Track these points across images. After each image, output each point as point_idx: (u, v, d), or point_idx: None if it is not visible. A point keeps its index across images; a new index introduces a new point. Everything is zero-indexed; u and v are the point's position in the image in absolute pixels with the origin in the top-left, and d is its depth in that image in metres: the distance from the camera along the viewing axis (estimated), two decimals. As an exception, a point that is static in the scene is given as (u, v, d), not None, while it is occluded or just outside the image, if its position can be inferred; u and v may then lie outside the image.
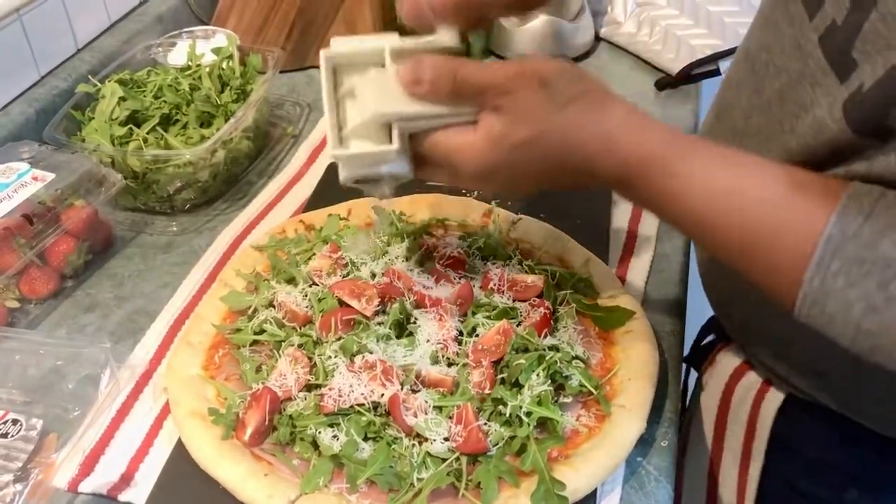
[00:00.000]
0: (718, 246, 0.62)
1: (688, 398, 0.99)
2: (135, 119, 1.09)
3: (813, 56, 0.61)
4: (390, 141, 0.65)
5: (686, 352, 0.95)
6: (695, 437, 0.92)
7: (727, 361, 0.87)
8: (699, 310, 0.91)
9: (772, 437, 0.81)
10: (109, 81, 1.12)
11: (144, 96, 1.12)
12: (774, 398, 0.80)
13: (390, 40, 0.68)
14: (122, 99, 1.09)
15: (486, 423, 0.72)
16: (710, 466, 0.90)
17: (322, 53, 0.69)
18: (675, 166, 0.60)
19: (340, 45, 0.69)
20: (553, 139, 0.61)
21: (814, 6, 0.61)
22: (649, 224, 1.01)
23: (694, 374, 0.97)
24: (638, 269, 0.94)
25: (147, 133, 1.07)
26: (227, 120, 1.09)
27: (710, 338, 0.95)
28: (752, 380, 0.83)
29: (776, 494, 0.83)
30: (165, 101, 1.11)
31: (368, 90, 0.66)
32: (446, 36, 0.68)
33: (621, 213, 1.03)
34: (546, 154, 0.62)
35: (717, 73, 1.26)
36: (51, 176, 0.96)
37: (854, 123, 0.56)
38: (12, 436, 0.75)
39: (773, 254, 0.57)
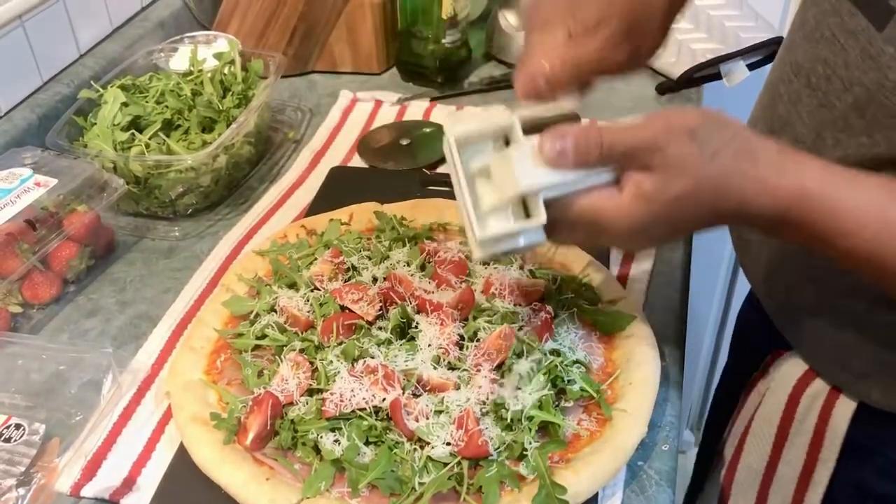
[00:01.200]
0: (888, 277, 0.60)
1: (738, 410, 0.97)
2: (137, 124, 1.09)
3: (892, 68, 0.61)
4: (526, 214, 0.64)
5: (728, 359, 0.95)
6: (750, 450, 0.90)
7: (787, 371, 0.85)
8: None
9: (844, 444, 0.79)
10: (111, 87, 1.12)
11: (146, 102, 1.12)
12: (846, 404, 0.78)
13: (514, 114, 0.66)
14: (125, 104, 1.10)
15: (487, 428, 0.72)
16: (764, 476, 0.88)
17: (449, 136, 0.66)
18: (839, 201, 0.59)
19: (461, 125, 0.67)
20: (707, 189, 0.60)
21: (882, 17, 0.61)
22: (650, 228, 1.01)
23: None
24: (639, 274, 0.95)
25: (149, 138, 1.07)
26: (228, 125, 1.09)
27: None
28: (818, 388, 0.81)
29: (844, 499, 0.82)
30: (167, 107, 1.11)
31: (508, 170, 0.63)
32: (568, 102, 0.69)
33: (622, 217, 1.03)
34: (701, 204, 0.61)
35: (717, 76, 1.27)
36: (53, 181, 0.96)
37: None
38: (15, 440, 0.75)
39: None
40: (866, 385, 0.76)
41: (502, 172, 0.64)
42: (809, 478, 0.83)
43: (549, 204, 0.63)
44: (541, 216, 0.63)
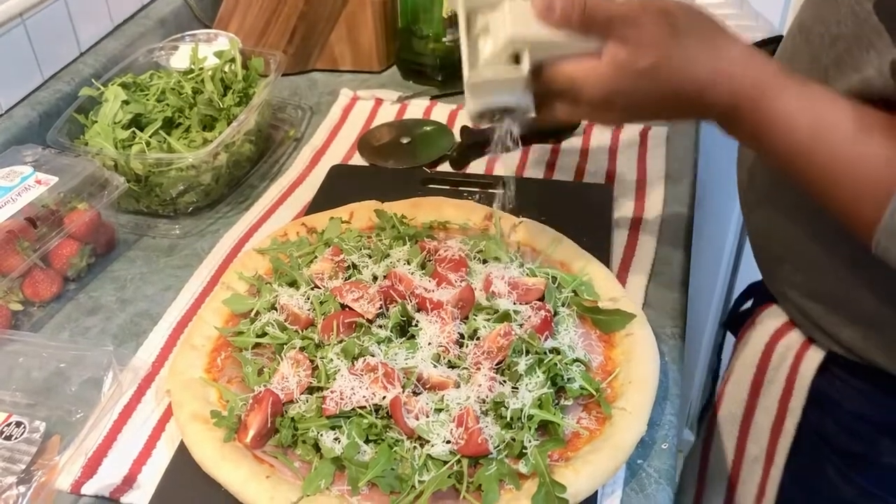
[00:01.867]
0: (812, 175, 0.65)
1: (721, 370, 1.03)
2: (137, 122, 1.09)
3: (869, 21, 0.65)
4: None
5: (725, 317, 1.01)
6: (729, 397, 0.95)
7: (768, 322, 0.90)
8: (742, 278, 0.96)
9: (810, 394, 0.84)
10: (112, 85, 1.13)
11: (147, 100, 1.12)
12: (815, 356, 0.83)
13: None
14: (125, 102, 1.10)
15: (486, 426, 0.72)
16: (742, 422, 0.93)
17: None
18: (783, 99, 0.64)
19: None
20: (670, 68, 0.66)
21: None
22: (651, 227, 1.01)
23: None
24: (639, 273, 0.95)
25: (150, 136, 1.07)
26: (229, 123, 1.09)
27: (748, 304, 0.98)
28: (793, 339, 0.86)
29: (810, 450, 0.86)
30: (168, 105, 1.11)
31: (502, 21, 0.70)
32: None
33: (623, 216, 1.03)
34: (665, 80, 0.66)
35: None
36: (54, 179, 0.96)
37: None
38: (16, 438, 0.75)
39: (861, 191, 0.62)
40: (836, 328, 0.80)
41: (498, 24, 0.70)
42: (781, 427, 0.88)
43: (538, 71, 0.70)
44: (525, 67, 0.69)
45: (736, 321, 1.00)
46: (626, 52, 0.66)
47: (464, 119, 1.25)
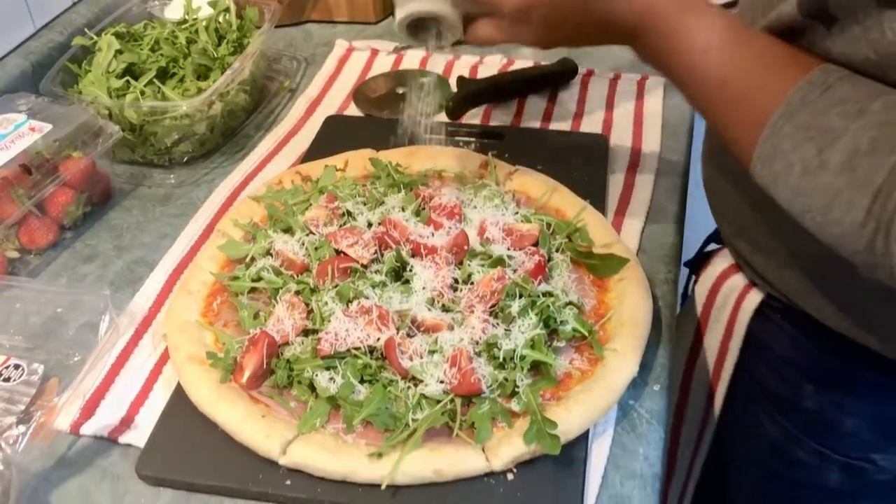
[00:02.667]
0: (703, 100, 0.67)
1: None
2: (131, 72, 1.09)
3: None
4: None
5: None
6: (681, 332, 0.97)
7: (718, 263, 0.91)
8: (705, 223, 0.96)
9: (746, 336, 0.86)
10: (106, 34, 1.12)
11: (141, 49, 1.11)
12: (754, 298, 0.85)
13: None
14: (119, 52, 1.09)
15: (479, 366, 0.73)
16: (687, 361, 0.96)
17: None
18: (679, 17, 0.65)
19: None
20: None
21: None
22: (646, 175, 1.01)
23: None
24: (633, 219, 0.95)
25: (144, 86, 1.07)
26: (224, 72, 1.09)
27: (712, 246, 0.99)
28: (736, 282, 0.87)
29: (743, 391, 0.89)
30: (162, 55, 1.11)
31: None
32: None
33: (619, 165, 1.03)
34: None
35: (734, 4, 1.25)
36: (48, 127, 0.96)
37: (804, 8, 0.61)
38: (14, 380, 0.76)
39: (744, 114, 0.63)
40: (773, 273, 0.81)
41: None
42: (721, 367, 0.90)
43: None
44: None
45: (697, 262, 1.00)
46: None
47: (460, 69, 1.24)
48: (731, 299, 0.88)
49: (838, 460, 0.83)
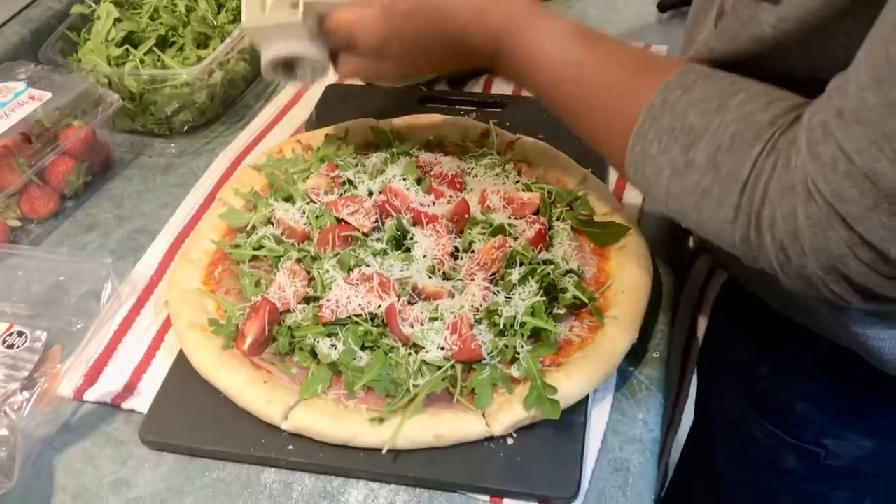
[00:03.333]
0: (571, 115, 0.67)
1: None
2: (131, 40, 1.08)
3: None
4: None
5: None
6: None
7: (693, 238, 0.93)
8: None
9: (713, 311, 0.87)
10: (104, 2, 1.11)
11: (140, 17, 1.10)
12: (719, 278, 0.86)
13: None
14: (118, 20, 1.08)
15: (480, 333, 0.73)
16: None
17: None
18: (535, 33, 0.66)
19: None
20: (431, 8, 0.68)
21: None
22: (647, 144, 1.01)
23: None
24: (635, 190, 0.94)
25: (144, 54, 1.06)
26: (223, 41, 1.08)
27: None
28: (706, 260, 0.89)
29: (711, 367, 0.90)
30: (161, 23, 1.10)
31: None
32: None
33: (619, 133, 1.03)
34: (428, 22, 0.68)
35: (720, -7, 1.24)
36: (48, 95, 0.96)
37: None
38: (18, 347, 0.76)
39: (611, 123, 0.63)
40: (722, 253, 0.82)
41: None
42: (693, 340, 0.91)
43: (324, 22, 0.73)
44: (297, 14, 0.72)
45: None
46: None
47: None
48: (702, 274, 0.88)
49: (791, 443, 0.83)
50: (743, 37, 0.57)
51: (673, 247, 0.89)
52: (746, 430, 0.86)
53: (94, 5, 1.11)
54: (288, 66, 0.79)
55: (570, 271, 0.79)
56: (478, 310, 0.75)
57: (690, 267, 0.93)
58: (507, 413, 0.68)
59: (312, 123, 1.05)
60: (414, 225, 0.84)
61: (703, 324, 0.87)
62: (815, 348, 0.75)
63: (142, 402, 0.75)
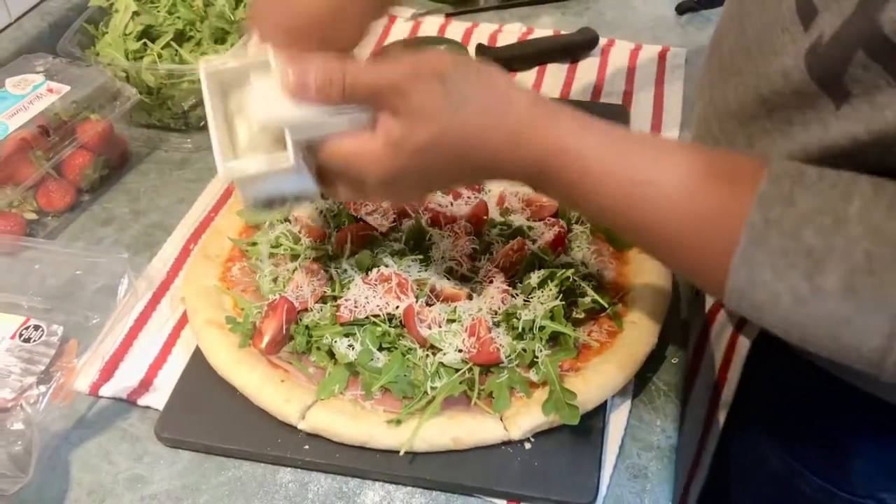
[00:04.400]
0: (643, 240, 0.60)
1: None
2: (149, 35, 1.08)
3: (786, 0, 0.58)
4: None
5: None
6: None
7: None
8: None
9: (745, 366, 0.79)
10: (123, -5, 1.10)
11: (158, 11, 1.10)
12: (752, 329, 0.77)
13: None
14: (136, 14, 1.08)
15: (498, 336, 0.73)
16: (685, 389, 0.88)
17: (202, 68, 0.63)
18: (589, 160, 0.57)
19: (217, 60, 0.64)
20: (453, 140, 0.58)
21: (808, 16, 0.57)
22: (666, 148, 1.00)
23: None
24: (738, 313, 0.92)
25: (161, 49, 1.06)
26: (241, 37, 1.08)
27: None
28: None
29: (746, 419, 0.82)
30: (179, 18, 1.09)
31: (255, 101, 0.60)
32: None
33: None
34: (450, 156, 0.59)
35: (740, -3, 1.23)
36: (66, 88, 0.96)
37: (815, 74, 0.53)
38: (34, 341, 0.76)
39: (698, 247, 0.56)
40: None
41: (251, 107, 0.61)
42: (721, 389, 0.83)
43: (315, 149, 0.60)
44: (289, 157, 0.59)
45: None
46: (399, 127, 0.57)
47: (480, 37, 1.23)
48: (728, 327, 0.80)
49: (844, 497, 0.78)
50: (876, 125, 0.51)
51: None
52: (791, 485, 0.80)
53: (112, -1, 1.10)
54: (272, 200, 0.66)
55: (589, 275, 0.79)
56: (496, 312, 0.75)
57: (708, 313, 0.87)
58: (526, 417, 0.68)
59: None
60: (432, 226, 0.84)
61: (734, 374, 0.80)
62: (871, 407, 0.70)
63: (157, 398, 0.75)
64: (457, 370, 0.71)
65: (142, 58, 1.05)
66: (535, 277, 0.77)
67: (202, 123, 1.07)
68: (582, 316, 0.76)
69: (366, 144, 0.59)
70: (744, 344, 0.78)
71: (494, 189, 0.88)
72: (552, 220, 0.84)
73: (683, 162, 0.56)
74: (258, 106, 0.59)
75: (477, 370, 0.71)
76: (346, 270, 0.79)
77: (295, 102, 0.58)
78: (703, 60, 0.80)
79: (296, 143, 0.60)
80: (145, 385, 0.76)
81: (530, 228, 0.83)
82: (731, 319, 0.79)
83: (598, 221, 0.61)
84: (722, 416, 0.83)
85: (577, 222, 0.85)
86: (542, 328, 0.73)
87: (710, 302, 0.85)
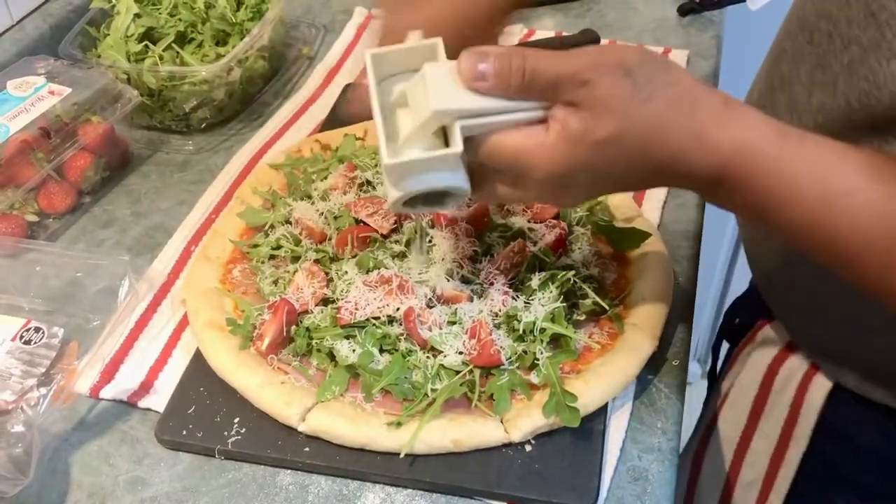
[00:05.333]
0: (831, 251, 0.55)
1: (718, 363, 0.97)
2: (150, 36, 1.08)
3: (891, 27, 0.55)
4: (447, 146, 0.59)
5: (720, 320, 0.91)
6: (727, 416, 0.89)
7: (770, 342, 0.82)
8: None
9: (818, 423, 0.77)
10: (124, -3, 1.11)
11: (159, 14, 1.10)
12: (822, 384, 0.76)
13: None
14: (137, 16, 1.08)
15: (499, 338, 0.73)
16: (738, 445, 0.87)
17: (367, 54, 0.61)
18: (781, 164, 0.54)
19: (389, 47, 0.62)
20: (637, 134, 0.54)
21: None
22: (667, 149, 1.00)
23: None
24: (655, 193, 0.94)
25: (163, 51, 1.06)
26: (242, 38, 1.08)
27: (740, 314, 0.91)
28: (796, 363, 0.79)
29: (816, 480, 0.80)
30: (180, 20, 1.10)
31: (423, 90, 0.57)
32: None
33: (639, 138, 1.02)
34: (630, 153, 0.55)
35: (741, -1, 1.23)
36: (67, 90, 0.96)
37: None
38: (35, 343, 0.76)
39: (890, 252, 0.52)
40: (841, 370, 0.74)
41: (418, 95, 0.58)
42: (783, 454, 0.81)
43: (471, 144, 0.58)
44: (457, 145, 0.57)
45: (733, 330, 0.91)
46: (579, 120, 0.54)
47: (480, 39, 1.22)
48: (792, 382, 0.78)
49: None
50: None
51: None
52: None
53: (113, 1, 1.11)
54: (420, 198, 0.63)
55: (590, 277, 0.79)
56: (497, 314, 0.75)
57: (739, 338, 0.87)
58: (526, 419, 0.68)
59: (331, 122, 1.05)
60: (433, 227, 0.84)
61: (803, 434, 0.78)
62: None
63: (158, 400, 0.75)
64: (457, 372, 0.71)
65: (143, 60, 1.05)
66: (535, 279, 0.76)
67: (203, 125, 1.07)
68: (583, 318, 0.76)
69: (539, 138, 0.56)
70: (814, 402, 0.75)
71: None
72: (553, 221, 0.84)
73: (863, 167, 0.53)
74: (430, 96, 0.56)
75: (477, 372, 0.71)
76: (346, 272, 0.78)
77: (469, 91, 0.56)
78: (754, 99, 0.75)
79: (463, 133, 0.58)
80: (146, 387, 0.76)
81: (531, 230, 0.83)
82: (807, 359, 0.77)
83: (781, 231, 0.57)
84: (785, 475, 0.80)
85: (578, 224, 0.85)
86: (542, 330, 0.73)
87: (753, 376, 0.83)
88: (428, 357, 0.72)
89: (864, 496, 0.77)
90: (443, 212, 0.69)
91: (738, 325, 0.92)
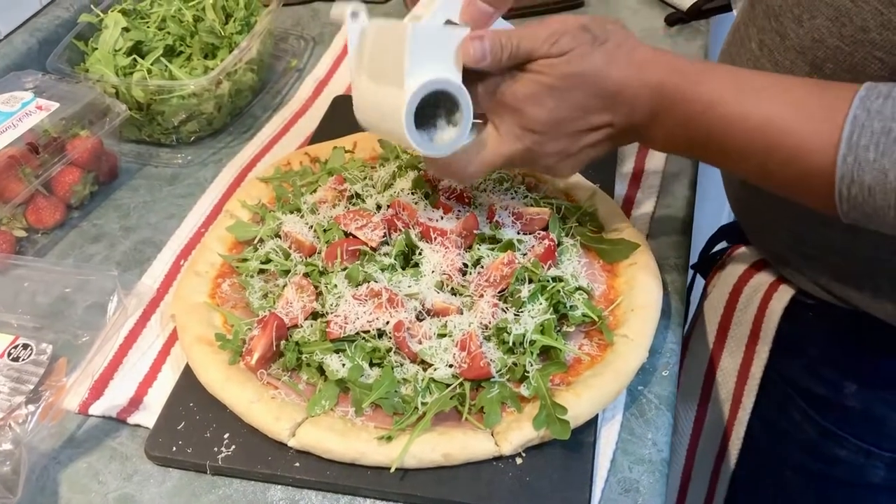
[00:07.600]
0: (752, 160, 0.64)
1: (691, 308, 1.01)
2: (138, 50, 1.08)
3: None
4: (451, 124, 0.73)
5: (694, 260, 0.98)
6: (697, 338, 0.95)
7: (737, 263, 0.89)
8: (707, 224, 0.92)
9: (776, 337, 0.83)
10: (112, 11, 1.11)
11: (148, 27, 1.10)
12: (782, 297, 0.82)
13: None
14: (126, 30, 1.08)
15: (489, 351, 0.73)
16: (710, 364, 0.93)
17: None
18: (706, 81, 0.65)
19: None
20: (591, 67, 0.68)
21: None
22: (656, 159, 1.01)
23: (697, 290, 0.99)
24: (644, 204, 0.94)
25: (151, 64, 1.06)
26: (231, 52, 1.08)
27: (720, 245, 0.97)
28: (760, 280, 0.85)
29: (775, 392, 0.86)
30: (169, 33, 1.10)
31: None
32: None
33: (628, 148, 1.03)
34: (587, 81, 0.69)
35: (728, 8, 1.24)
36: (55, 105, 0.96)
37: None
38: (23, 360, 0.76)
39: (805, 154, 0.60)
40: (813, 269, 0.79)
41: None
42: (748, 370, 0.88)
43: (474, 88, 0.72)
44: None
45: (706, 263, 0.98)
46: (549, 64, 0.69)
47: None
48: (755, 298, 0.85)
49: (884, 456, 0.81)
50: None
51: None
52: (828, 451, 0.83)
53: (101, 15, 1.11)
54: (425, 116, 0.72)
55: (580, 288, 0.79)
56: (487, 327, 0.75)
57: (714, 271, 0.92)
58: (517, 432, 0.68)
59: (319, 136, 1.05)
60: (422, 240, 0.84)
61: (763, 350, 0.85)
62: None
63: (147, 416, 0.75)
64: (447, 385, 0.71)
65: (131, 73, 1.05)
66: (525, 291, 0.77)
67: (192, 139, 1.07)
68: (573, 329, 0.76)
69: (531, 87, 0.71)
70: (773, 316, 0.83)
71: (485, 203, 0.88)
72: (542, 233, 0.84)
73: (794, 84, 0.63)
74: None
75: (468, 385, 0.71)
76: (336, 286, 0.78)
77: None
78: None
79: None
80: (135, 403, 0.76)
81: (520, 242, 0.83)
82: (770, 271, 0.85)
83: (708, 151, 0.67)
84: (750, 390, 0.87)
85: (567, 235, 0.85)
86: (532, 342, 0.73)
87: (718, 301, 0.89)
88: (418, 370, 0.72)
89: (817, 406, 0.83)
90: (451, 142, 0.73)
91: (710, 257, 0.97)
